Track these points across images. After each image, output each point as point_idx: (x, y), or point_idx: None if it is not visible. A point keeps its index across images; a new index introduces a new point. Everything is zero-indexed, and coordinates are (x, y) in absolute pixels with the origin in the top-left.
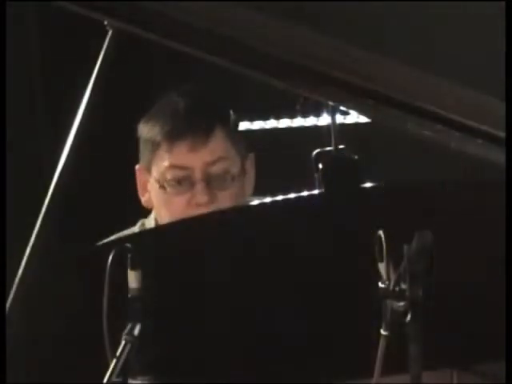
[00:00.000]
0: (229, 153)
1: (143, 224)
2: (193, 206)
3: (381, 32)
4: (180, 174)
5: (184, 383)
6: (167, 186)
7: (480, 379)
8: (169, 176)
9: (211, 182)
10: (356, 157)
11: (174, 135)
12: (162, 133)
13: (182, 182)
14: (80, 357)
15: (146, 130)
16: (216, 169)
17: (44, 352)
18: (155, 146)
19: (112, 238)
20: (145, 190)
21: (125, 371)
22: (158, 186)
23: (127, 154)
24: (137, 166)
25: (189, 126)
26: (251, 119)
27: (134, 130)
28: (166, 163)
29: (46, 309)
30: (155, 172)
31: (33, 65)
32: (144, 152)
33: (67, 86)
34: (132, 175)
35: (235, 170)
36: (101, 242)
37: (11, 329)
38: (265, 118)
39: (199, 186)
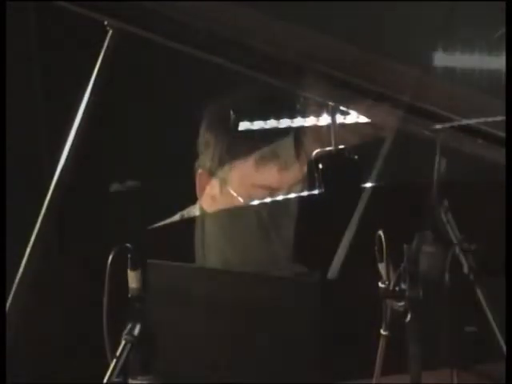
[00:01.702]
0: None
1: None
2: None
3: (381, 32)
4: (264, 193)
5: (184, 383)
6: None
7: (480, 379)
8: (252, 192)
9: None
10: (356, 157)
11: (266, 158)
12: (253, 149)
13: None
14: (80, 357)
15: (225, 141)
16: (295, 191)
17: (44, 352)
18: (239, 160)
19: (177, 216)
20: (205, 193)
21: (125, 371)
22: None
23: (127, 154)
24: (199, 171)
25: (284, 148)
26: (251, 119)
27: (133, 131)
28: (252, 180)
29: (46, 309)
30: (235, 184)
31: (33, 65)
32: (220, 160)
33: (67, 86)
34: (132, 175)
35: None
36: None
37: (11, 329)
38: (265, 117)
39: None
